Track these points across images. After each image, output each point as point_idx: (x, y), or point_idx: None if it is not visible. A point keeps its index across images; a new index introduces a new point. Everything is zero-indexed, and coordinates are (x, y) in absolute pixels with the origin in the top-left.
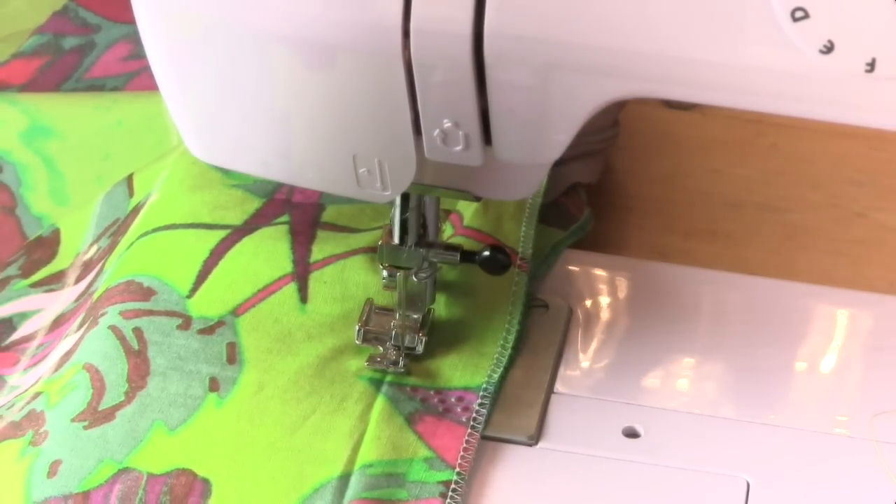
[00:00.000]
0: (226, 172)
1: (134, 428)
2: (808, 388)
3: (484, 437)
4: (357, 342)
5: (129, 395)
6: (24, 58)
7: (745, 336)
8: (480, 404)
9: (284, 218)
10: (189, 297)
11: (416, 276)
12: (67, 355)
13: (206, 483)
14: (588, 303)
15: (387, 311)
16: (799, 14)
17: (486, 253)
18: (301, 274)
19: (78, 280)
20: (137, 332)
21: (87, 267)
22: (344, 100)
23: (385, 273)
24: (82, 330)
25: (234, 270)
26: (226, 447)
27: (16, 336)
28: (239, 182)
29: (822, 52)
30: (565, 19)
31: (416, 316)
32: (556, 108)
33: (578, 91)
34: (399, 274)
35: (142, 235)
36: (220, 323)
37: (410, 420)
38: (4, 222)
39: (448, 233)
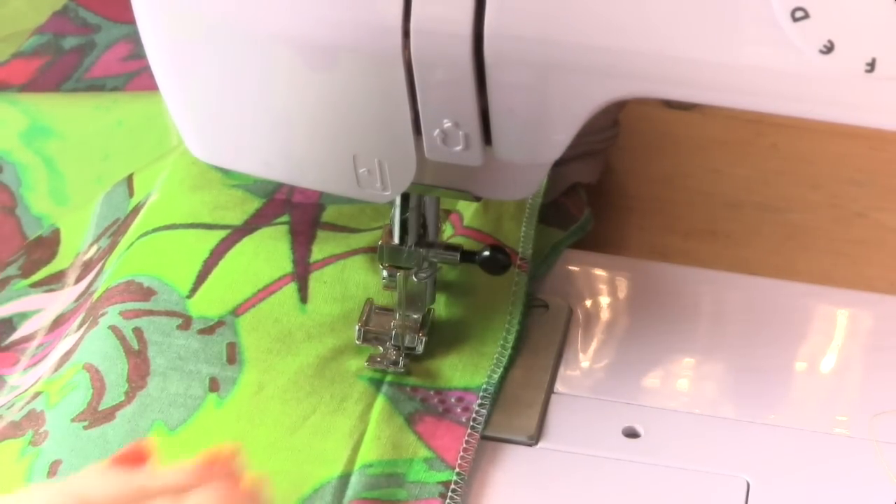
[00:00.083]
0: (226, 172)
1: (134, 428)
2: (808, 388)
3: (484, 437)
4: (357, 342)
5: (130, 395)
6: (24, 58)
7: (745, 336)
8: (480, 405)
9: (284, 218)
10: (189, 297)
11: (416, 276)
12: (67, 355)
13: None
14: (588, 303)
15: (387, 311)
16: (799, 14)
17: (486, 253)
18: (301, 274)
19: (78, 280)
20: (137, 332)
21: (86, 267)
22: (344, 100)
23: (385, 273)
24: (82, 330)
25: (234, 270)
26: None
27: (16, 336)
28: (239, 182)
29: (822, 52)
30: (565, 19)
31: (416, 316)
32: (556, 108)
33: (578, 91)
34: (399, 274)
35: (142, 235)
36: (220, 323)
37: (410, 420)
38: (4, 222)
39: (448, 233)
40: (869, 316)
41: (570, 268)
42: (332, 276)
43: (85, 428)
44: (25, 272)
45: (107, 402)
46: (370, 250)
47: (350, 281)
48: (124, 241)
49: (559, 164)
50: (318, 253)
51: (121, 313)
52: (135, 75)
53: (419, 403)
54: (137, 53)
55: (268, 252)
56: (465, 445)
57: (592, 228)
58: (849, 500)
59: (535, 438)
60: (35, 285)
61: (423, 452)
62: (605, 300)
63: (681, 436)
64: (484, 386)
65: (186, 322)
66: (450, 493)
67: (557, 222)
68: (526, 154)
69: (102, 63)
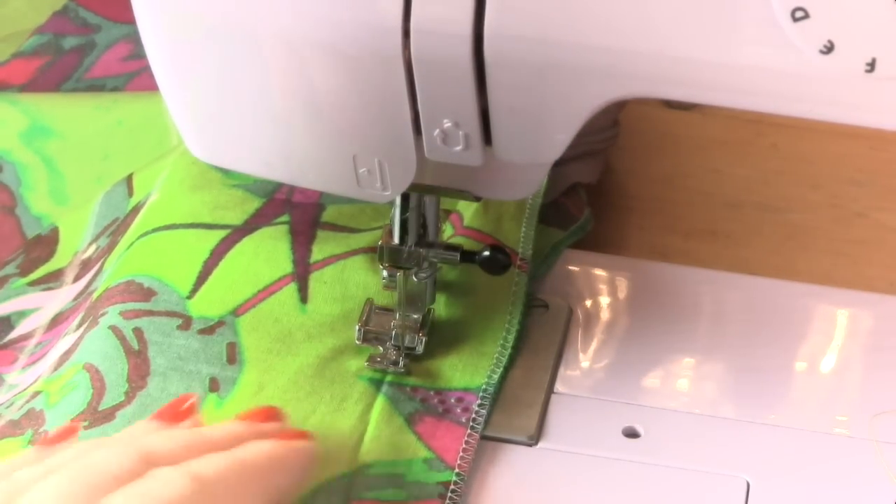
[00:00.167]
0: (226, 172)
1: None
2: (808, 388)
3: (484, 438)
4: (357, 342)
5: (130, 396)
6: (24, 58)
7: (745, 336)
8: (480, 405)
9: (284, 218)
10: (189, 297)
11: (416, 276)
12: (67, 354)
13: None
14: (588, 303)
15: (387, 311)
16: (799, 14)
17: (486, 253)
18: (301, 274)
19: (76, 279)
20: (137, 332)
21: (85, 266)
22: (344, 100)
23: (385, 273)
24: (82, 329)
25: (234, 270)
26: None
27: (14, 334)
28: (239, 182)
29: (822, 52)
30: (565, 20)
31: (416, 316)
32: (556, 108)
33: (578, 91)
34: (399, 274)
35: (142, 235)
36: (221, 323)
37: (410, 420)
38: (4, 222)
39: (448, 233)
40: (869, 316)
41: (570, 268)
42: (333, 276)
43: (85, 428)
44: (23, 270)
45: (107, 402)
46: (370, 250)
47: (350, 281)
48: (124, 240)
49: (559, 164)
50: (318, 253)
51: (121, 313)
52: (135, 75)
53: (419, 403)
54: (137, 53)
55: (268, 252)
56: (464, 446)
57: (592, 228)
58: (849, 500)
59: (535, 438)
60: (33, 284)
61: (423, 453)
62: (605, 300)
63: (681, 436)
64: (484, 386)
65: (186, 322)
66: (450, 494)
67: (557, 222)
68: (526, 154)
69: (102, 63)
